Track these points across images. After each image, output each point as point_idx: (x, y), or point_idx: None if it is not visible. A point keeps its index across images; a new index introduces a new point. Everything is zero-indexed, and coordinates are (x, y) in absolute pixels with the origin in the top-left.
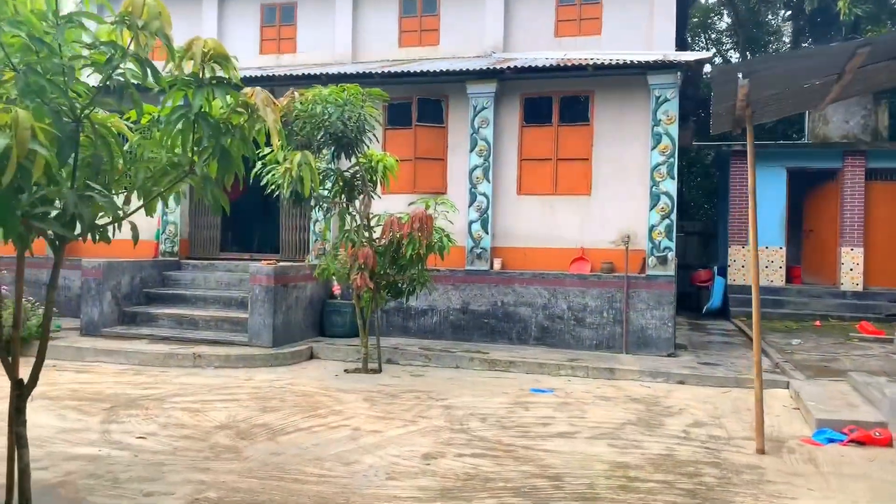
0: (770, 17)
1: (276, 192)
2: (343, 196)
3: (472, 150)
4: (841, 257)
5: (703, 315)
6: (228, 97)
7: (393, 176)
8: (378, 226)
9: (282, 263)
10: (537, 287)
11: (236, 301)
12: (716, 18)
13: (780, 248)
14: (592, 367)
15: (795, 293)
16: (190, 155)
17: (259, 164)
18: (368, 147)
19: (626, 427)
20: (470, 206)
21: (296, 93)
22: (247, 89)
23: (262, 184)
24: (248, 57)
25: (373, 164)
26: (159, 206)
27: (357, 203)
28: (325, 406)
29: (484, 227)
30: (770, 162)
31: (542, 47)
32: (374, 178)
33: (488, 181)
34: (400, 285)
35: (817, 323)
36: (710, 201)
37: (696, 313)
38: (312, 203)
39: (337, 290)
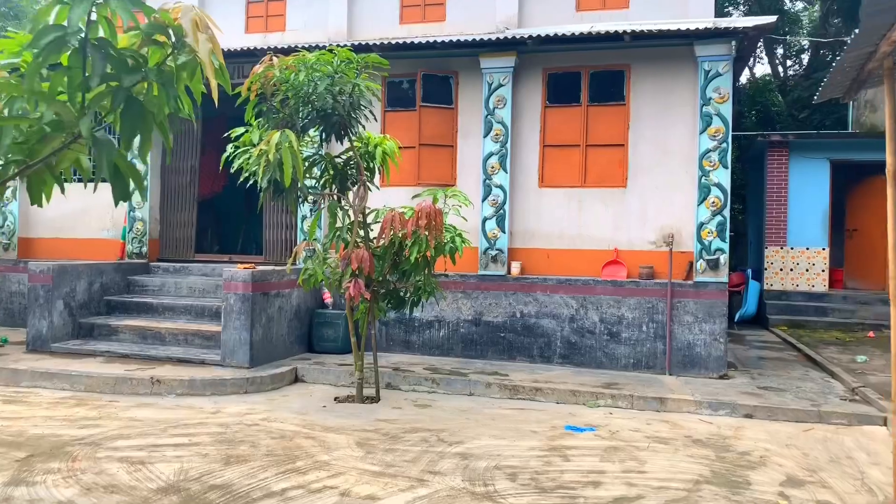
0: None
1: (252, 183)
2: (334, 187)
3: (486, 135)
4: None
5: (737, 323)
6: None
7: (394, 163)
8: (376, 223)
9: (262, 267)
10: (563, 295)
11: (210, 311)
12: None
13: (823, 249)
14: (637, 395)
15: (841, 299)
16: (79, 105)
17: (230, 148)
18: (364, 128)
19: (703, 488)
20: (483, 200)
21: (274, 58)
22: (169, 2)
23: (232, 171)
24: (233, 36)
25: (370, 148)
26: (124, 201)
27: (350, 195)
28: (306, 455)
29: (500, 224)
30: (811, 153)
31: (561, 22)
32: (372, 166)
33: (505, 171)
34: (402, 294)
35: (870, 334)
36: (736, 198)
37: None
38: (297, 195)
39: (328, 297)
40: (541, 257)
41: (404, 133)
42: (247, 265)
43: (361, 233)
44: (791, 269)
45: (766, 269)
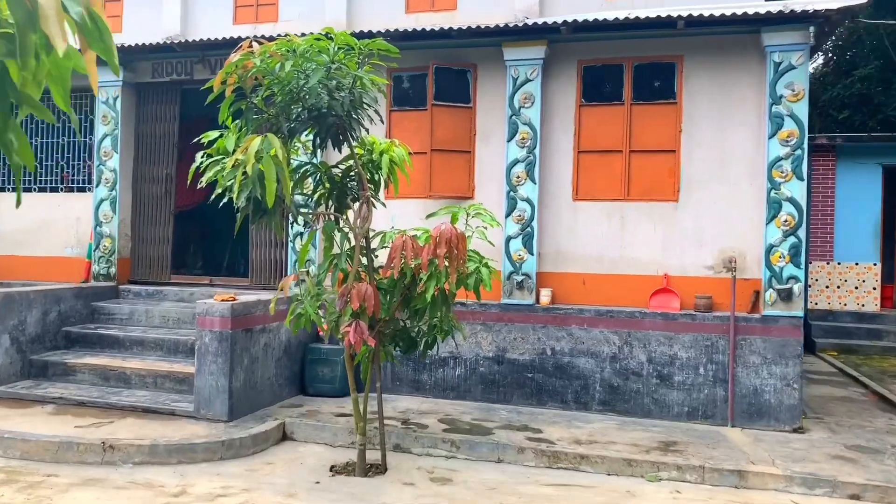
0: None
1: (225, 199)
2: (330, 204)
3: (510, 139)
4: None
5: None
6: None
7: (403, 174)
8: (384, 248)
9: (244, 297)
10: (603, 330)
11: (185, 346)
12: None
13: (874, 264)
14: (709, 466)
15: (894, 321)
16: None
17: (199, 157)
18: (368, 131)
19: None
20: (507, 216)
21: (255, 44)
22: None
23: (201, 184)
24: (220, 28)
25: (374, 156)
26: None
27: (351, 215)
28: None
29: (527, 245)
30: (862, 158)
31: (590, 10)
32: (377, 178)
33: (533, 182)
34: (414, 334)
35: None
36: None
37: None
38: (283, 216)
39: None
40: (575, 284)
41: (413, 136)
42: (226, 296)
43: (364, 261)
44: (838, 287)
45: (810, 287)
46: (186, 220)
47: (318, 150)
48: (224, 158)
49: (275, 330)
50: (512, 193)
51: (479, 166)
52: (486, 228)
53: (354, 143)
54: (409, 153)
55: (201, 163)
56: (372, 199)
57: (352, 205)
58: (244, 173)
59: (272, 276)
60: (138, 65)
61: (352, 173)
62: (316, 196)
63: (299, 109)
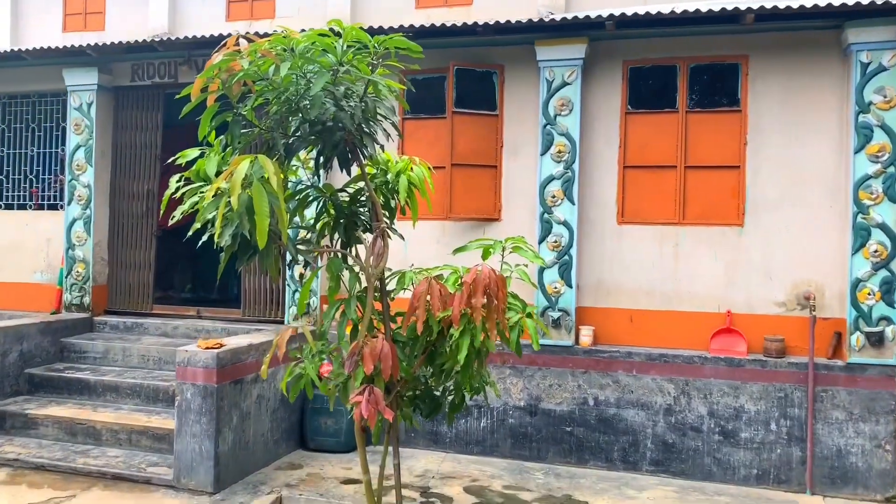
0: None
1: (206, 237)
2: (337, 237)
3: (544, 152)
4: None
5: None
6: None
7: (424, 198)
8: (403, 292)
9: (233, 342)
10: (656, 377)
11: (167, 394)
12: None
13: None
14: None
15: None
16: None
17: (174, 182)
18: (383, 148)
19: None
20: (541, 242)
21: (242, 40)
22: None
23: (173, 219)
24: (213, 24)
25: (389, 178)
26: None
27: (363, 251)
28: None
29: (564, 275)
30: None
31: (629, 3)
32: (392, 204)
33: (571, 202)
34: (437, 393)
35: None
36: None
37: None
38: (279, 256)
39: (326, 371)
40: (621, 321)
41: (430, 149)
42: (211, 342)
43: (377, 308)
44: None
45: None
46: (171, 238)
47: (321, 171)
48: (205, 186)
49: (269, 377)
50: (546, 215)
51: (506, 183)
52: (526, 266)
53: (366, 162)
54: (430, 170)
55: (177, 188)
56: (389, 230)
57: (363, 237)
58: (228, 204)
59: (267, 307)
60: (116, 66)
61: (362, 198)
62: (319, 226)
63: (298, 122)
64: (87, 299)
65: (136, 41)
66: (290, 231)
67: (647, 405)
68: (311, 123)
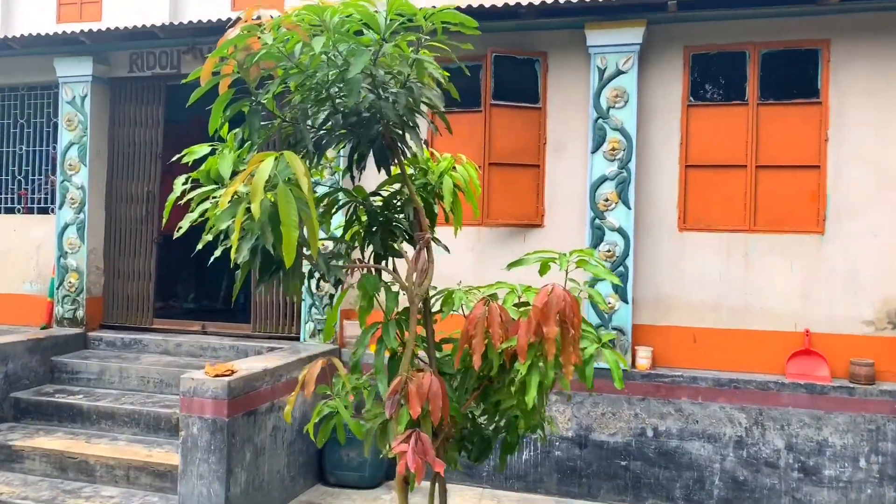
0: None
1: (218, 252)
2: (369, 248)
3: (595, 150)
4: None
5: None
6: None
7: (470, 202)
8: (448, 310)
9: (246, 365)
10: (724, 405)
11: (169, 423)
12: None
13: None
14: None
15: None
16: None
17: (179, 184)
18: (428, 144)
19: None
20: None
21: (263, 11)
22: None
23: (178, 231)
24: (218, 9)
25: (431, 178)
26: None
27: (405, 267)
28: None
29: (618, 289)
30: None
31: None
32: (433, 209)
33: (627, 206)
34: (489, 433)
35: None
36: None
37: None
38: (307, 275)
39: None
40: (683, 341)
41: (464, 146)
42: (222, 368)
43: (421, 334)
44: None
45: None
46: (174, 244)
47: (353, 171)
48: (217, 189)
49: (286, 405)
50: (598, 221)
51: (550, 185)
52: (592, 286)
53: (406, 161)
54: (477, 170)
55: (183, 191)
56: (433, 241)
57: (402, 250)
58: (248, 212)
59: (280, 322)
60: (113, 55)
61: (397, 202)
62: (349, 235)
63: (327, 112)
64: (80, 313)
65: (136, 26)
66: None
67: (715, 437)
68: (345, 114)
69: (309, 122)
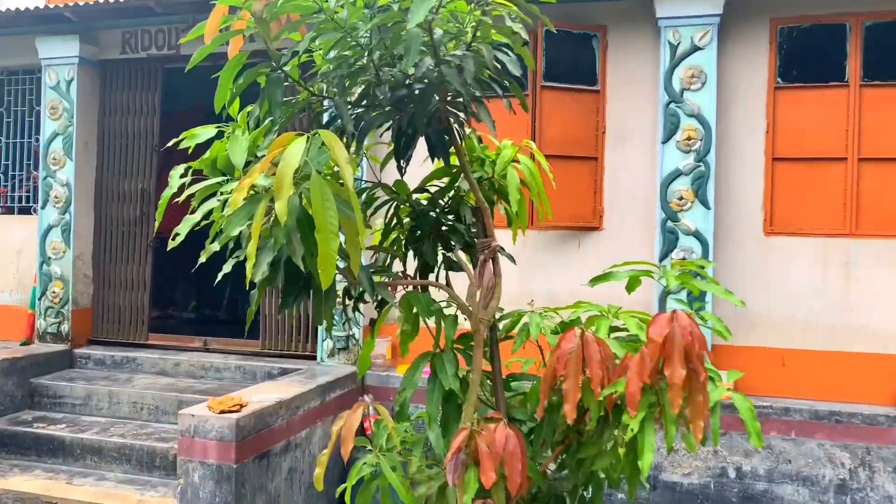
0: None
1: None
2: (415, 260)
3: (666, 140)
4: None
5: None
6: None
7: (543, 202)
8: (522, 343)
9: (258, 398)
10: (823, 442)
11: (166, 459)
12: None
13: None
14: None
15: None
16: None
17: (176, 175)
18: (494, 126)
19: None
20: (661, 259)
21: None
22: None
23: (173, 240)
24: None
25: (494, 170)
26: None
27: (468, 283)
28: None
29: (694, 303)
30: None
31: None
32: (508, 212)
33: (705, 205)
34: (562, 491)
35: None
36: None
37: None
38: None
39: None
40: (770, 364)
41: (508, 134)
42: (229, 402)
43: (486, 372)
44: None
45: None
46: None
47: (403, 163)
48: (227, 182)
49: (303, 442)
50: (670, 223)
51: (610, 181)
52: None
53: (462, 148)
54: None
55: (182, 185)
56: (499, 251)
57: (462, 260)
58: (269, 213)
59: (293, 338)
60: (102, 35)
61: (446, 201)
62: (389, 243)
63: (368, 84)
64: (65, 326)
65: (129, 0)
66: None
67: (812, 479)
68: (394, 84)
69: (346, 97)
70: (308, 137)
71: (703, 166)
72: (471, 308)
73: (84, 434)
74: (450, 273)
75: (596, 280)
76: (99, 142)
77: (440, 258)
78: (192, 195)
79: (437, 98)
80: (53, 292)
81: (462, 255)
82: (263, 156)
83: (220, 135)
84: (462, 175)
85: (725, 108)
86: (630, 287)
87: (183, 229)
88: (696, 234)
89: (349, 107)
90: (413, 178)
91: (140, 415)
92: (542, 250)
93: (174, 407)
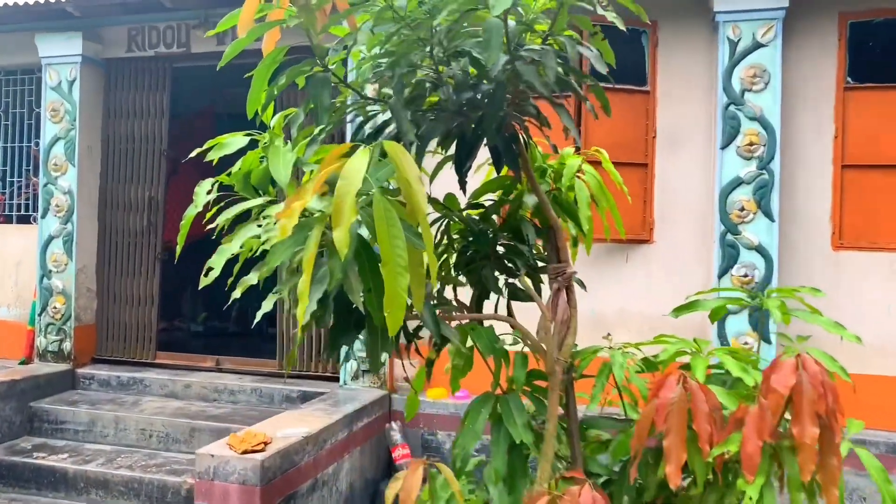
0: None
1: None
2: (461, 284)
3: (725, 145)
4: None
5: None
6: None
7: (613, 216)
8: (603, 387)
9: (283, 434)
10: None
11: (178, 494)
12: None
13: None
14: None
15: None
16: None
17: (202, 191)
18: (568, 134)
19: None
20: (721, 276)
21: None
22: None
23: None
24: None
25: (562, 182)
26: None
27: (540, 317)
28: None
29: (757, 325)
30: None
31: None
32: (577, 231)
33: (769, 217)
34: None
35: None
36: None
37: None
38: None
39: (401, 456)
40: (840, 390)
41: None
42: (252, 440)
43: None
44: None
45: None
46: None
47: (465, 173)
48: (266, 205)
49: (330, 479)
50: (730, 237)
51: (661, 189)
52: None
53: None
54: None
55: (208, 203)
56: (573, 278)
57: (528, 289)
58: (323, 244)
59: (315, 357)
60: (107, 32)
61: (505, 217)
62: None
63: (426, 81)
64: (67, 344)
65: None
66: None
67: None
68: (456, 85)
69: (402, 99)
70: (371, 151)
71: (767, 174)
72: (544, 346)
73: (88, 465)
74: (512, 303)
75: (680, 310)
76: (103, 146)
77: (502, 285)
78: (219, 211)
79: (508, 99)
80: (55, 307)
81: (529, 282)
82: (307, 172)
83: (252, 144)
84: (527, 187)
85: (790, 111)
86: (714, 316)
87: (217, 262)
88: (759, 249)
89: (416, 110)
90: (447, 189)
91: (149, 443)
92: (587, 265)
93: (186, 435)
